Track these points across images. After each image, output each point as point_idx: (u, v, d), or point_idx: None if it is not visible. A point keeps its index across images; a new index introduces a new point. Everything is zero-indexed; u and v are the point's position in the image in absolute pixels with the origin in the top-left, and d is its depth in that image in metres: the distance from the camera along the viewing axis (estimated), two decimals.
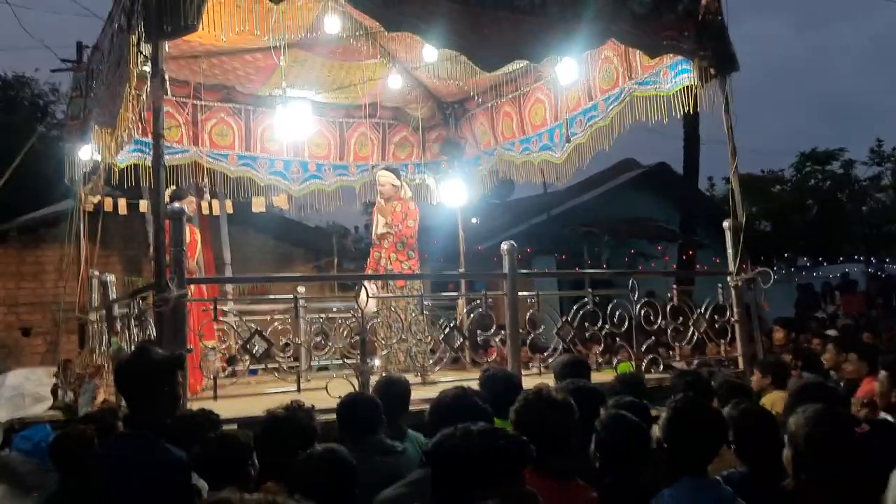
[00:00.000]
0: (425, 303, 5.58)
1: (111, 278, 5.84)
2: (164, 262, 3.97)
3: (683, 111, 6.29)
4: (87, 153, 6.69)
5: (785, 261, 17.39)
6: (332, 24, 6.21)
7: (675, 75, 6.34)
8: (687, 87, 6.20)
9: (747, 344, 5.96)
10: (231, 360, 6.13)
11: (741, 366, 5.94)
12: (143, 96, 5.06)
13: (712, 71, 5.95)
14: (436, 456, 1.72)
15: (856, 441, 2.40)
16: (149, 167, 7.47)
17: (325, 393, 4.37)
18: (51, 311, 8.21)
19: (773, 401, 5.15)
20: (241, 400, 4.47)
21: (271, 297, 7.60)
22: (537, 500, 2.01)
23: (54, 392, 6.26)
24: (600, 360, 5.77)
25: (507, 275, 5.24)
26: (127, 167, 7.18)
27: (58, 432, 3.77)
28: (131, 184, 7.39)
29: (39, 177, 7.15)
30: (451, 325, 5.41)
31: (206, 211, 9.11)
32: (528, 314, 5.55)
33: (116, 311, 5.47)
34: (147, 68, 4.29)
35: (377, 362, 6.47)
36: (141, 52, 4.30)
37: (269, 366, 5.16)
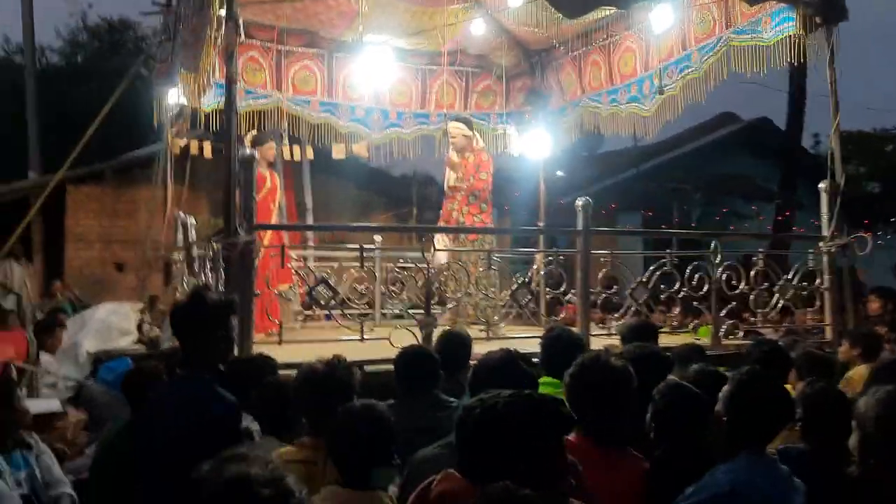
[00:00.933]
0: (494, 258, 5.46)
1: (191, 220, 5.99)
2: (233, 207, 4.01)
3: (789, 62, 5.87)
4: (174, 96, 6.80)
5: (892, 225, 16.30)
6: None
7: (776, 24, 5.91)
8: (789, 37, 5.79)
9: (837, 313, 5.62)
10: (306, 305, 6.23)
11: (829, 336, 5.62)
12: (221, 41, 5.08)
13: (817, 20, 5.51)
14: (462, 425, 1.64)
15: None
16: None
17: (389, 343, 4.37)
18: (142, 248, 8.54)
19: (860, 374, 4.86)
20: (304, 346, 4.52)
21: (349, 245, 7.67)
22: (577, 470, 1.92)
23: (140, 327, 6.54)
24: (675, 322, 5.55)
25: (581, 232, 5.07)
26: (213, 111, 7.29)
27: (122, 369, 3.90)
28: (217, 128, 7.51)
29: (138, 117, 7.37)
30: (522, 281, 5.29)
31: (287, 157, 9.21)
32: (601, 273, 5.37)
33: (195, 252, 5.61)
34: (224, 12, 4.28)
35: (446, 314, 6.48)
36: None
37: (338, 312, 5.20)
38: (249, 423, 2.95)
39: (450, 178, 6.93)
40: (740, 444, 2.32)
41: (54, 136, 11.98)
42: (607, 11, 6.50)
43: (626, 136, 10.39)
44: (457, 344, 3.93)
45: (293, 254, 7.00)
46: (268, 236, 5.71)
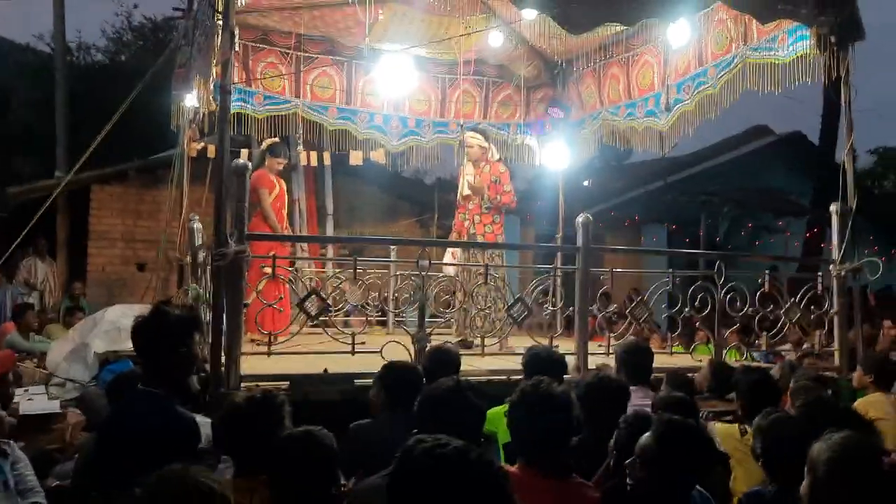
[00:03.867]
0: (492, 273, 5.44)
1: (198, 225, 6.06)
2: (224, 216, 4.05)
3: (825, 78, 5.74)
4: (191, 100, 6.91)
5: None
6: None
7: (792, 42, 5.80)
8: (805, 55, 5.68)
9: (846, 338, 5.49)
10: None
11: (837, 361, 5.50)
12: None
13: (832, 39, 5.39)
14: (396, 474, 1.61)
15: (882, 477, 2.10)
16: (251, 115, 7.79)
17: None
18: (161, 249, 8.68)
19: (871, 403, 4.73)
20: (294, 358, 4.55)
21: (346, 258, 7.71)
22: None
23: None
24: (675, 343, 5.48)
25: (580, 249, 5.03)
26: (231, 116, 7.38)
27: (118, 372, 3.96)
28: (235, 132, 7.61)
29: (165, 117, 7.51)
30: (518, 296, 5.27)
31: (313, 162, 9.28)
32: (601, 290, 5.32)
33: (201, 257, 5.67)
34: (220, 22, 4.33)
35: (454, 326, 6.48)
36: (212, 7, 4.35)
37: (339, 319, 5.22)
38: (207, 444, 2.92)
39: (463, 187, 6.92)
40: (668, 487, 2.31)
41: (88, 135, 12.23)
42: (620, 27, 6.43)
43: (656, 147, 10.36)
44: (443, 360, 3.92)
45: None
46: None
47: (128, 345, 6.47)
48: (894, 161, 21.98)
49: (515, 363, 4.43)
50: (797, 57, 5.74)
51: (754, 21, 5.84)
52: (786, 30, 5.81)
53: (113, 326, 6.30)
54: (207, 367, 4.12)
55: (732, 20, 6.23)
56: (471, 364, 4.95)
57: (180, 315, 2.74)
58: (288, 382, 4.14)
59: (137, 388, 2.68)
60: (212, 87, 5.30)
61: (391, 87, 8.11)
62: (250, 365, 4.26)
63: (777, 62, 5.94)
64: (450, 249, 6.73)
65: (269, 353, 4.39)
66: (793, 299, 5.56)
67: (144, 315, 2.74)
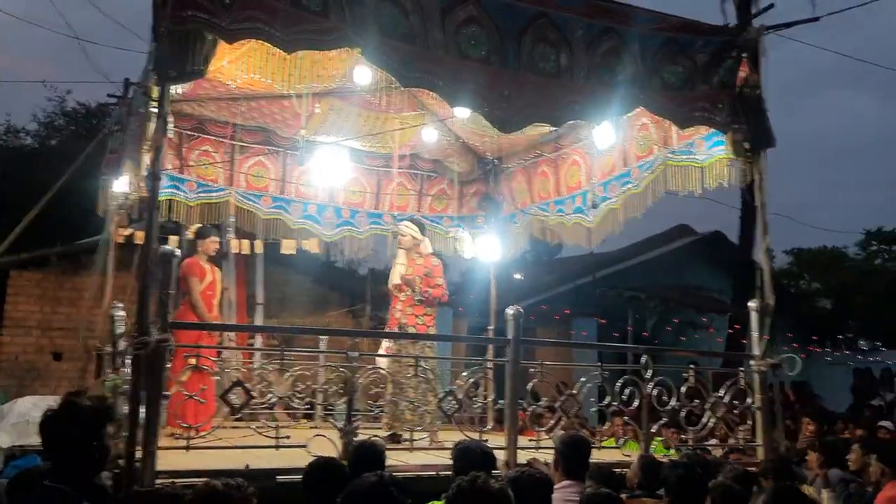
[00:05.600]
0: (421, 365, 5.41)
1: (120, 313, 5.88)
2: (147, 304, 3.95)
3: (739, 181, 6.04)
4: (120, 186, 6.82)
5: (843, 342, 16.58)
6: (363, 76, 6.24)
7: (709, 147, 6.15)
8: (721, 159, 6.02)
9: (769, 433, 5.59)
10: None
11: (760, 455, 5.58)
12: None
13: (746, 145, 5.72)
14: None
15: None
16: (182, 203, 7.70)
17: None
18: (81, 337, 8.34)
19: None
20: (214, 453, 4.36)
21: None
22: None
23: None
24: (604, 437, 5.49)
25: (510, 341, 5.05)
26: (161, 202, 7.30)
27: (22, 468, 3.73)
28: (165, 219, 7.50)
29: (90, 203, 7.36)
30: (448, 390, 5.23)
31: (245, 250, 9.18)
32: (531, 384, 5.32)
33: (121, 345, 5.48)
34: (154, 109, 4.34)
35: (384, 418, 6.36)
36: (146, 95, 4.37)
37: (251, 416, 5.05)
38: None
39: (394, 276, 6.94)
40: None
41: (12, 218, 11.87)
42: (549, 127, 6.70)
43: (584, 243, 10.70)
44: (368, 456, 3.82)
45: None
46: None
47: (38, 439, 6.17)
48: (809, 262, 23.14)
49: (445, 458, 4.35)
50: (715, 161, 6.08)
51: (674, 126, 6.17)
52: (703, 135, 6.16)
53: (21, 419, 6.02)
54: (121, 462, 3.91)
55: (654, 124, 6.57)
56: (399, 459, 4.84)
57: (92, 406, 2.62)
58: (206, 480, 3.94)
59: (44, 484, 2.51)
60: (143, 173, 5.26)
61: (326, 177, 8.18)
62: (168, 461, 4.06)
63: (696, 165, 6.27)
64: (384, 342, 6.68)
65: (188, 448, 4.19)
66: (717, 394, 5.67)
67: (54, 407, 2.61)
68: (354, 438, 4.51)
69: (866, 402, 14.37)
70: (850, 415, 11.17)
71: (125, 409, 4.41)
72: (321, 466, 3.54)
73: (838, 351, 16.25)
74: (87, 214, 11.76)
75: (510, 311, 5.14)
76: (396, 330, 6.64)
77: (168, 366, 4.14)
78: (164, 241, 8.37)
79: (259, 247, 9.05)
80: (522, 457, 4.85)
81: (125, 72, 7.49)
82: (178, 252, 4.28)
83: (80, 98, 22.18)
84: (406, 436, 5.44)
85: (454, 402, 5.06)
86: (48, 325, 10.37)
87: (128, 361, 4.88)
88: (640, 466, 4.57)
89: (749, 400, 5.63)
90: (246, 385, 4.40)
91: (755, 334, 5.70)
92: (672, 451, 5.68)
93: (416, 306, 6.68)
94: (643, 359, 5.44)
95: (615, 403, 5.40)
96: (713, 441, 6.18)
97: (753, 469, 4.91)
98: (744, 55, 5.74)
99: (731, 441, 6.14)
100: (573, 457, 4.08)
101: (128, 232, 7.42)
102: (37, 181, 14.43)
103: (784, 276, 22.30)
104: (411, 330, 6.52)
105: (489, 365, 5.97)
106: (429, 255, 6.92)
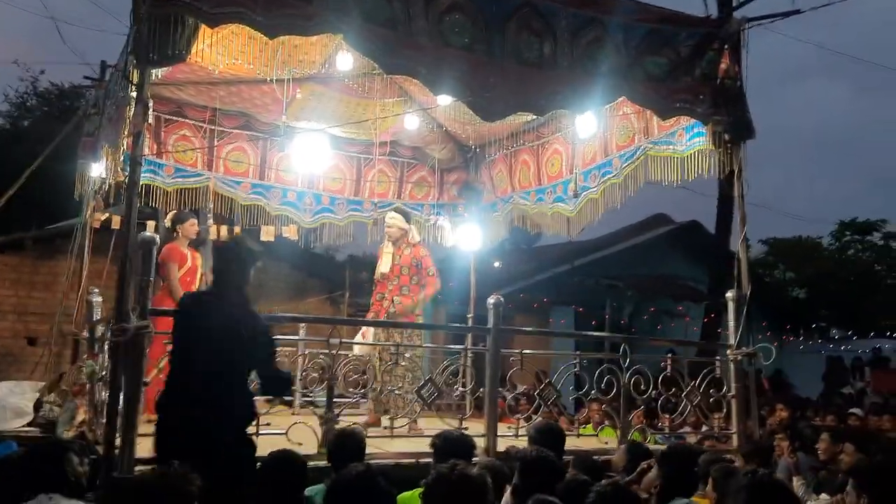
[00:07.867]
0: (405, 354, 5.42)
1: (98, 298, 5.82)
2: (126, 290, 3.91)
3: (718, 172, 6.09)
4: (97, 170, 6.74)
5: (816, 331, 16.83)
6: (344, 62, 6.21)
7: (689, 138, 6.19)
8: (701, 150, 6.06)
9: (744, 421, 5.68)
10: None
11: (735, 443, 5.67)
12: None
13: (726, 137, 5.77)
14: None
15: None
16: (160, 188, 7.61)
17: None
18: (56, 322, 8.24)
19: None
20: None
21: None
22: None
23: (37, 407, 6.22)
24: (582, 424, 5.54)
25: (491, 329, 5.07)
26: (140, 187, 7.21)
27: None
28: (142, 204, 7.41)
29: (67, 186, 7.25)
30: (428, 378, 5.24)
31: (223, 236, 9.10)
32: (510, 373, 5.35)
33: (99, 331, 5.43)
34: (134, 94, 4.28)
35: (369, 405, 6.36)
36: (126, 79, 4.31)
37: None
38: None
39: (381, 266, 6.90)
40: None
41: None
42: (531, 116, 6.70)
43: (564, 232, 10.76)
44: (348, 444, 3.83)
45: None
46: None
47: (13, 424, 6.10)
48: (784, 252, 23.42)
49: (424, 445, 4.36)
50: (695, 151, 6.12)
51: (655, 117, 6.20)
52: (684, 126, 6.20)
53: None
54: (100, 448, 3.89)
55: (635, 115, 6.60)
56: (379, 447, 4.85)
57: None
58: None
59: None
60: (121, 157, 5.20)
61: (306, 164, 8.13)
62: (147, 447, 4.04)
63: (676, 156, 6.31)
64: (361, 329, 6.66)
65: None
66: (693, 383, 5.74)
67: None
68: (335, 426, 4.51)
69: (837, 390, 14.62)
70: (821, 402, 11.38)
71: (104, 395, 4.39)
72: (277, 458, 3.53)
73: (811, 340, 16.49)
74: (62, 197, 11.62)
75: (491, 299, 5.16)
76: (383, 318, 6.60)
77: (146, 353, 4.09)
78: (143, 226, 8.36)
79: (237, 233, 8.95)
80: (502, 444, 4.88)
81: (100, 53, 7.40)
82: (157, 238, 4.22)
83: (54, 79, 21.89)
84: (385, 422, 5.45)
85: (434, 389, 5.07)
86: (24, 310, 10.24)
87: (106, 348, 4.84)
88: (626, 451, 4.62)
89: (725, 388, 5.70)
90: None
91: (732, 324, 5.77)
92: (650, 439, 5.75)
93: (404, 296, 6.59)
94: (622, 347, 5.49)
95: (593, 391, 5.44)
96: (687, 428, 6.25)
97: (730, 456, 4.99)
98: (725, 47, 5.77)
99: (705, 428, 6.23)
100: (546, 444, 4.11)
101: (104, 216, 7.33)
102: (10, 161, 14.22)
103: (759, 265, 22.58)
104: (401, 319, 6.46)
105: (469, 353, 5.97)
106: (417, 244, 6.87)
